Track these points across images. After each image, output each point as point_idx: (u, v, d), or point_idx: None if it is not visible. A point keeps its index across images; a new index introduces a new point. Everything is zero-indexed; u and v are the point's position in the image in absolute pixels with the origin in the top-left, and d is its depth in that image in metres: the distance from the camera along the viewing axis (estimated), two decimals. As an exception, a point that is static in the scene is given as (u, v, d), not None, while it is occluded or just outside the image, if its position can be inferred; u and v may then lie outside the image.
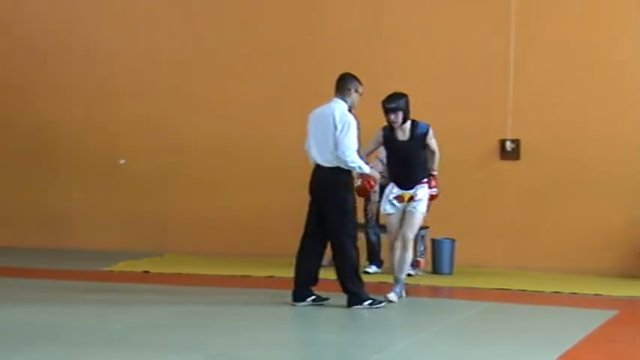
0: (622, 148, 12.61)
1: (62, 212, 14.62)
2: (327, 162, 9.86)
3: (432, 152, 10.26)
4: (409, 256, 10.27)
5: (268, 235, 13.64)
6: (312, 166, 9.97)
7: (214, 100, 14.06)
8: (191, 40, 14.17)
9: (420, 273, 12.24)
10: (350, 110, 9.93)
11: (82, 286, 11.25)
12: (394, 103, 10.09)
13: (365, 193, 10.44)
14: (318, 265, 10.03)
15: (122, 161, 14.36)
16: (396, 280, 10.25)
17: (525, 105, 12.83)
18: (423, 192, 10.16)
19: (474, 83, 12.74)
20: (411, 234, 10.20)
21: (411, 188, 10.17)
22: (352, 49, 13.29)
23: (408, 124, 10.19)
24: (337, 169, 9.81)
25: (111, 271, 12.45)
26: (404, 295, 10.32)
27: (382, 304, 9.87)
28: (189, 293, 10.81)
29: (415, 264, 12.19)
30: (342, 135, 9.74)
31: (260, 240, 13.69)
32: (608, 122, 12.65)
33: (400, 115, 10.08)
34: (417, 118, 10.31)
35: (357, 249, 9.95)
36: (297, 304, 9.97)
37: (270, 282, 11.65)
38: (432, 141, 10.23)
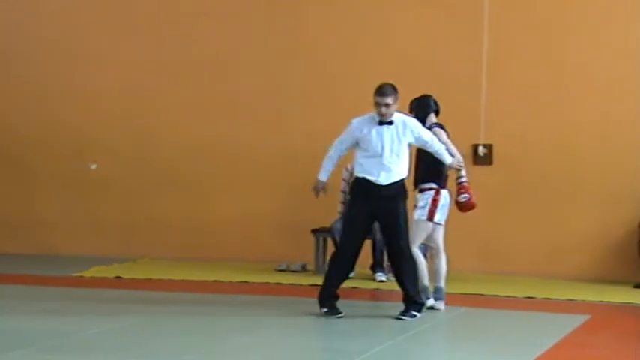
0: (593, 152, 12.66)
1: (32, 217, 14.50)
2: None
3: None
4: (437, 264, 10.15)
5: (244, 239, 13.60)
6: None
7: (186, 104, 14.00)
8: (167, 42, 14.09)
9: (392, 278, 12.23)
10: (381, 122, 9.66)
11: (53, 291, 11.16)
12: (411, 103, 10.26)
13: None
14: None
15: (93, 166, 14.28)
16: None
17: (498, 110, 12.86)
18: (422, 198, 10.04)
19: (447, 88, 12.70)
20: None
21: (419, 192, 10.08)
22: (328, 57, 13.34)
23: (427, 124, 10.07)
24: None
25: (81, 276, 12.37)
26: (435, 304, 10.08)
27: (340, 315, 9.61)
28: (162, 299, 10.75)
29: (388, 269, 12.25)
30: None
31: (236, 245, 13.64)
32: (580, 127, 12.71)
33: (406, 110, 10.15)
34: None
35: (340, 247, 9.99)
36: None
37: (244, 287, 11.63)
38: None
